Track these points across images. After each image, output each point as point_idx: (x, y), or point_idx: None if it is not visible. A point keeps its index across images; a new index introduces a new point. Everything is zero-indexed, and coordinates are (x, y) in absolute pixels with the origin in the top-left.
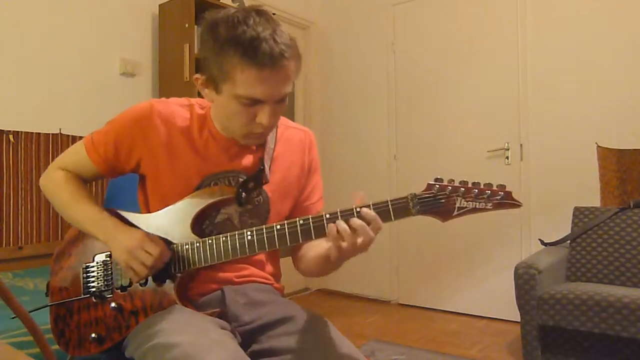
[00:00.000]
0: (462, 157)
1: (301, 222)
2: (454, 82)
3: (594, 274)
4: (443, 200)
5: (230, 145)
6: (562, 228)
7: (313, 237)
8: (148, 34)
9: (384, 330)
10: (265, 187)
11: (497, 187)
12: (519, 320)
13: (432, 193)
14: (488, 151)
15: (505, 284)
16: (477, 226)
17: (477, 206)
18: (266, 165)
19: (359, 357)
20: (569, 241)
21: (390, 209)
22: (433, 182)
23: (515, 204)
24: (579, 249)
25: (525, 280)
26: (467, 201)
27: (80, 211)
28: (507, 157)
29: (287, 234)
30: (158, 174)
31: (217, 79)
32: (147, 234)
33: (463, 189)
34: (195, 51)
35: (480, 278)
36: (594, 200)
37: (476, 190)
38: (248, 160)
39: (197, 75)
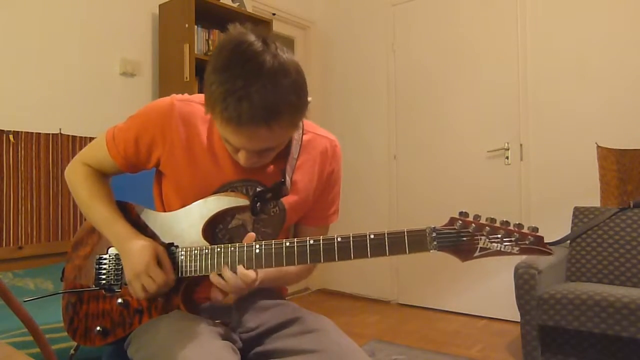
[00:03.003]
0: (462, 157)
1: (311, 242)
2: (454, 82)
3: (594, 274)
4: (465, 239)
5: None
6: (562, 228)
7: (322, 259)
8: (148, 34)
9: (384, 330)
10: (283, 199)
11: (528, 229)
12: (519, 320)
13: (454, 229)
14: (488, 151)
15: (505, 284)
16: None
17: (502, 249)
18: (288, 178)
19: (362, 356)
20: (569, 241)
21: (406, 241)
22: (456, 217)
23: (545, 252)
24: (579, 249)
25: (525, 280)
26: (491, 242)
27: (96, 211)
28: (507, 157)
29: (295, 253)
30: (177, 176)
31: (207, 101)
32: (158, 254)
33: (489, 228)
34: (196, 51)
35: (480, 278)
36: (594, 200)
37: (503, 232)
38: (270, 168)
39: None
